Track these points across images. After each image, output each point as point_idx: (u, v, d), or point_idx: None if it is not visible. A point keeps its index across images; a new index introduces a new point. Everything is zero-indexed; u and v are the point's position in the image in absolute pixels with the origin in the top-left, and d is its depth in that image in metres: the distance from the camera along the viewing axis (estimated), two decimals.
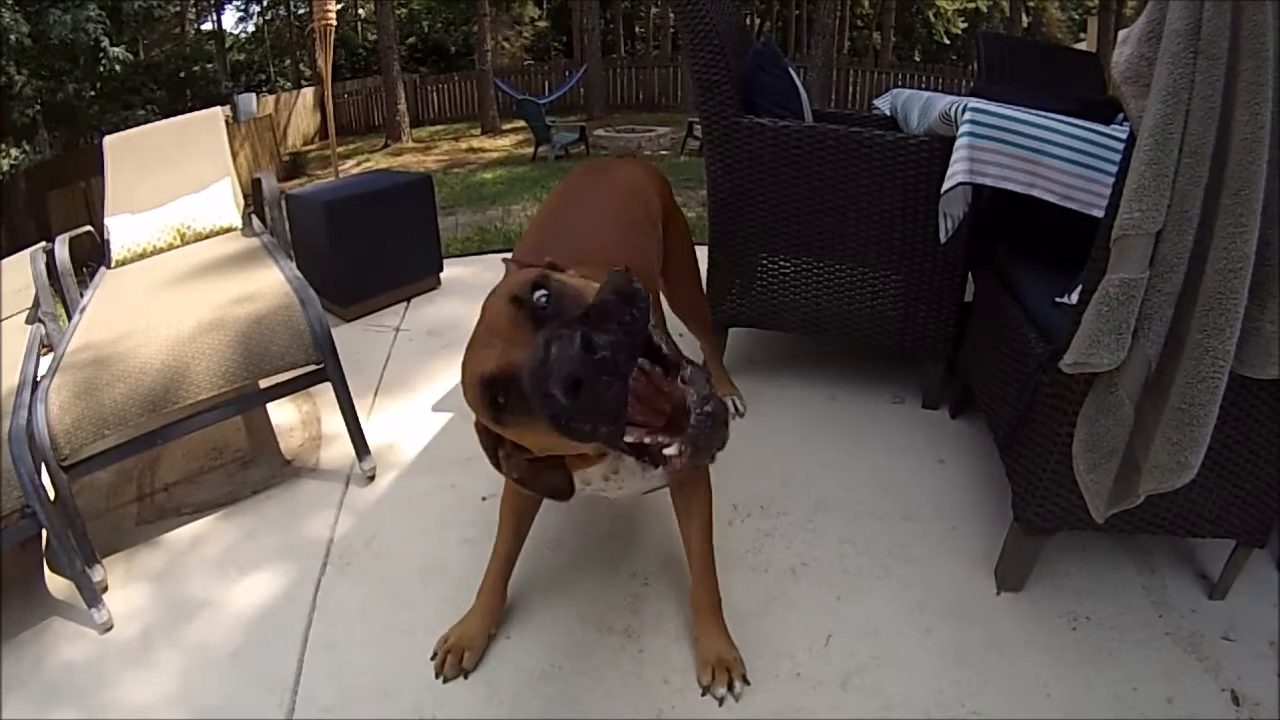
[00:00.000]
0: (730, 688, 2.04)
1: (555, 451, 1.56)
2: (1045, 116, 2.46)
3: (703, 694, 2.05)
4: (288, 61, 34.12)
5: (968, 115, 2.51)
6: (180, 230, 4.18)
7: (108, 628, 2.43)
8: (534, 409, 1.28)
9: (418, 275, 4.94)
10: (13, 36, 18.46)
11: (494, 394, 1.39)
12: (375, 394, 3.69)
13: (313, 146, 24.33)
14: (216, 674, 2.25)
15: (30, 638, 2.44)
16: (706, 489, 2.12)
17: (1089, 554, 2.47)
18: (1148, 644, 2.17)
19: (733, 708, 2.02)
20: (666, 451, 1.33)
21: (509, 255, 1.75)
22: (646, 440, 1.33)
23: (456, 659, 2.15)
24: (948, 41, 35.63)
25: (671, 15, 29.46)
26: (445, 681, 2.13)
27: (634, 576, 2.46)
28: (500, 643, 2.24)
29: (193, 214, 4.24)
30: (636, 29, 37.10)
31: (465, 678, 2.13)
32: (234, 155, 4.81)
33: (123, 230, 4.14)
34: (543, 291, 1.39)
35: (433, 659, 2.18)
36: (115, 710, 2.16)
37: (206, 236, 4.22)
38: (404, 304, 4.81)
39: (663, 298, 2.64)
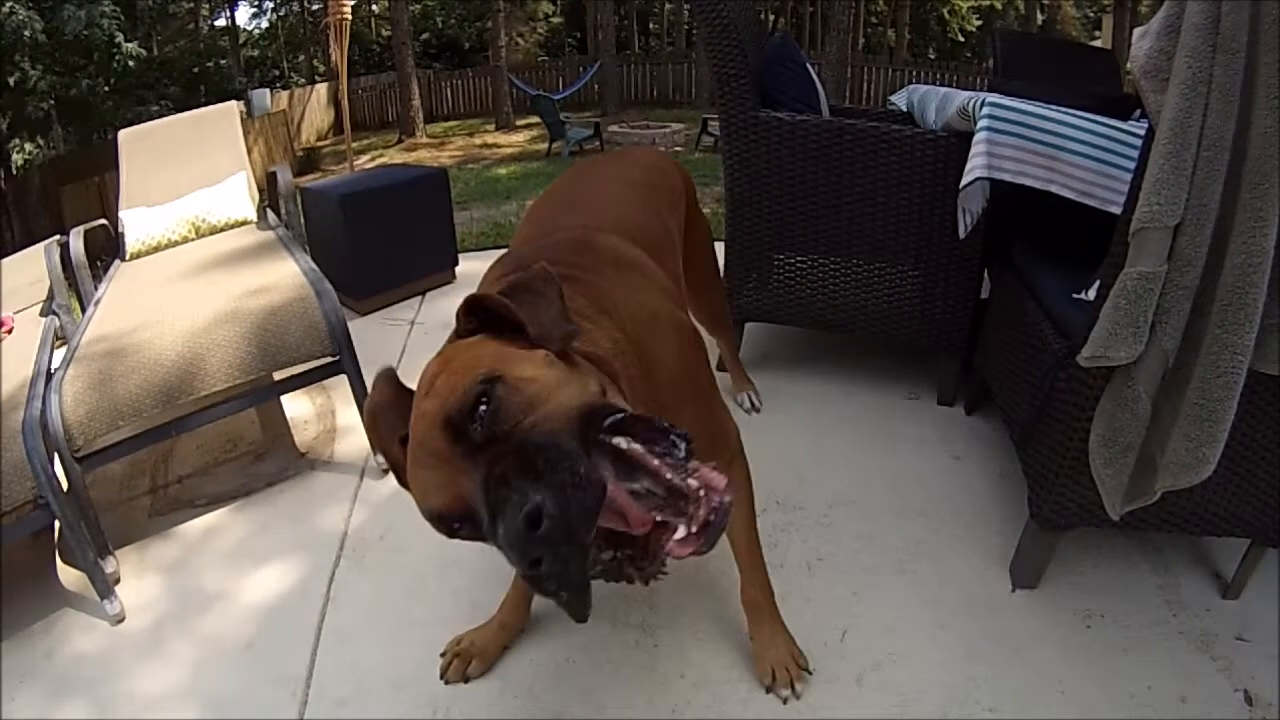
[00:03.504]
0: (792, 687, 2.03)
1: None
2: (1064, 112, 2.45)
3: (766, 692, 2.04)
4: (301, 57, 34.14)
5: (986, 110, 2.50)
6: (195, 223, 4.19)
7: (120, 619, 2.44)
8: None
9: (432, 269, 4.98)
10: (27, 32, 18.52)
11: (450, 526, 1.19)
12: None
13: (326, 142, 24.34)
14: (229, 666, 2.25)
15: (42, 629, 2.45)
16: (746, 479, 2.03)
17: (1104, 552, 2.47)
18: (1161, 643, 2.16)
19: (748, 705, 2.02)
20: (676, 536, 1.12)
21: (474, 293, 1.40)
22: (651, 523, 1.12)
23: (463, 665, 2.14)
24: (962, 39, 35.52)
25: (687, 11, 29.50)
26: (447, 684, 2.13)
27: None
28: (516, 639, 2.24)
29: (208, 207, 4.25)
30: (651, 25, 37.07)
31: (466, 682, 2.13)
32: (248, 151, 4.82)
33: (137, 223, 4.16)
34: (483, 407, 1.15)
35: (442, 656, 2.18)
36: (127, 702, 2.17)
37: (221, 230, 4.24)
38: (419, 298, 4.84)
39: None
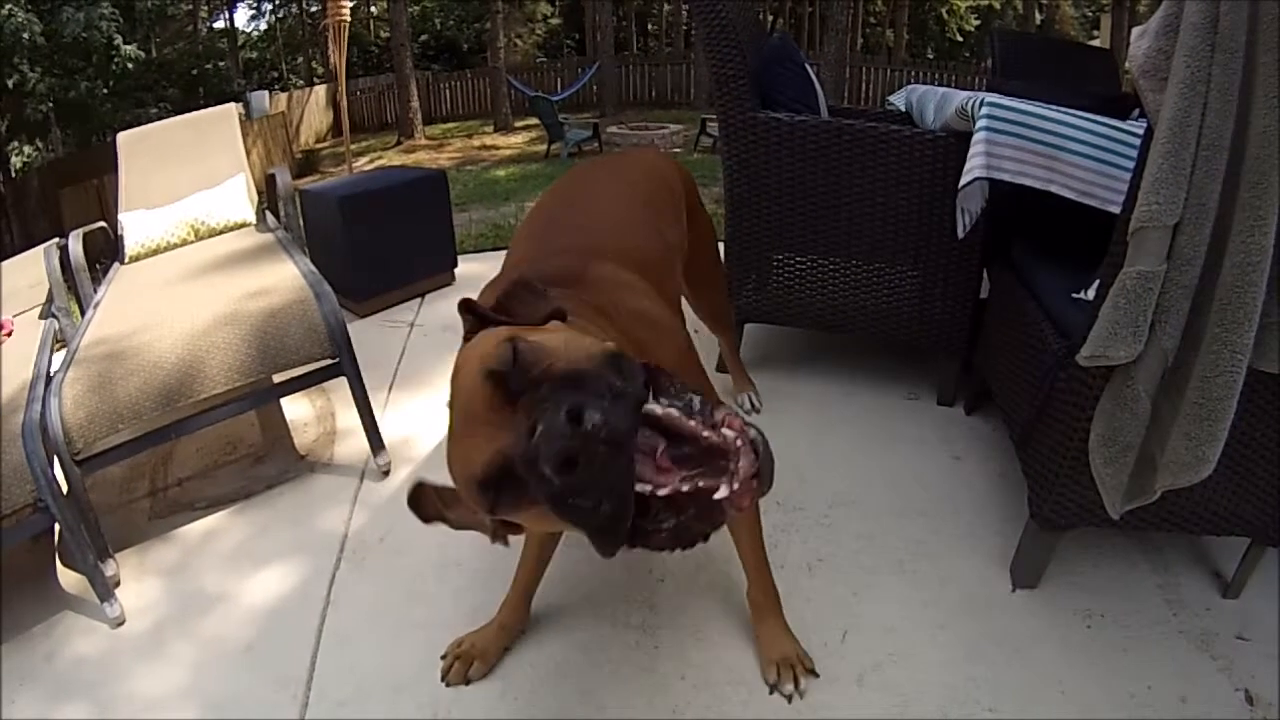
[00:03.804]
0: (796, 685, 2.04)
1: (554, 530, 1.42)
2: (1063, 112, 2.45)
3: (770, 692, 2.05)
4: (300, 59, 34.13)
5: (985, 110, 2.50)
6: (194, 226, 4.19)
7: (120, 622, 2.44)
8: (533, 494, 1.11)
9: (432, 271, 4.98)
10: (26, 34, 18.52)
11: (493, 493, 1.19)
12: (390, 389, 3.70)
13: (325, 144, 24.35)
14: (229, 668, 2.25)
15: (42, 632, 2.45)
16: None
17: (1104, 552, 2.46)
18: (1161, 642, 2.16)
19: (749, 706, 2.02)
20: (717, 495, 1.10)
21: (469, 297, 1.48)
22: (685, 488, 1.10)
23: (464, 667, 2.14)
24: (960, 39, 35.50)
25: (685, 12, 29.47)
26: (448, 686, 2.12)
27: (650, 572, 2.46)
28: (517, 640, 2.24)
29: (207, 209, 4.25)
30: (649, 26, 37.03)
31: (467, 684, 2.13)
32: (247, 153, 4.82)
33: (137, 226, 4.16)
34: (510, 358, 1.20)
35: (443, 659, 2.18)
36: (127, 704, 2.17)
37: (221, 232, 4.23)
38: (418, 299, 4.84)
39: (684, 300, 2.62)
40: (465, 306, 1.42)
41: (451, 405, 1.28)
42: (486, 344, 1.26)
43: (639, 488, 1.08)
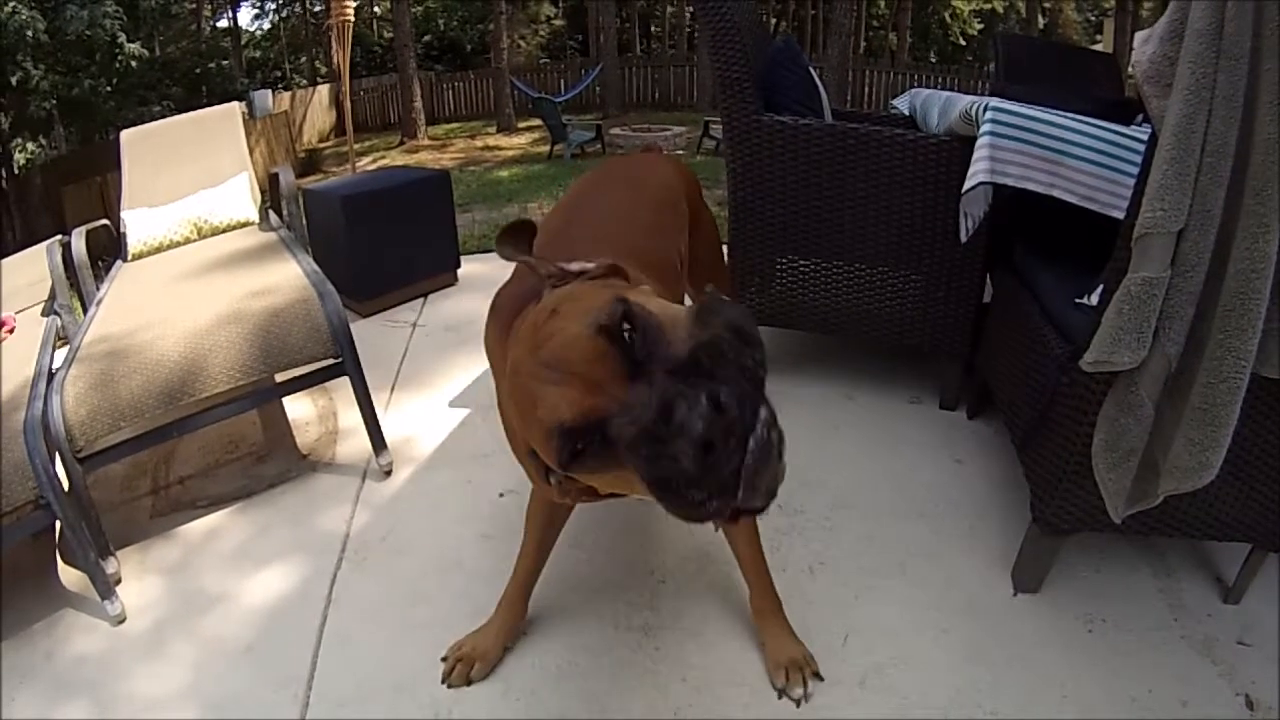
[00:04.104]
0: (805, 688, 2.04)
1: (628, 493, 1.33)
2: (1067, 117, 2.45)
3: (779, 697, 2.04)
4: (303, 59, 34.18)
5: (989, 114, 2.50)
6: (197, 224, 4.20)
7: (120, 620, 2.44)
8: (632, 467, 1.10)
9: (435, 271, 4.98)
10: (29, 32, 18.53)
11: (575, 444, 1.17)
12: (392, 389, 3.71)
13: (328, 143, 24.35)
14: (230, 668, 2.25)
15: (42, 629, 2.45)
16: None
17: (1106, 556, 2.46)
18: (1163, 647, 2.16)
19: (750, 707, 2.02)
20: (695, 499, 1.08)
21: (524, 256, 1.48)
22: None
23: (465, 669, 2.13)
24: (964, 42, 35.53)
25: (688, 14, 29.45)
26: (450, 688, 2.12)
27: (651, 573, 2.45)
28: (517, 639, 2.23)
29: (210, 208, 4.26)
30: (652, 28, 37.08)
31: (469, 685, 2.12)
32: (250, 152, 4.82)
33: (139, 224, 4.16)
34: (629, 327, 1.17)
35: (443, 660, 2.17)
36: (127, 703, 2.17)
37: (223, 231, 4.24)
38: (421, 299, 4.85)
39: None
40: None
41: (531, 353, 1.25)
42: (594, 296, 1.26)
43: None
